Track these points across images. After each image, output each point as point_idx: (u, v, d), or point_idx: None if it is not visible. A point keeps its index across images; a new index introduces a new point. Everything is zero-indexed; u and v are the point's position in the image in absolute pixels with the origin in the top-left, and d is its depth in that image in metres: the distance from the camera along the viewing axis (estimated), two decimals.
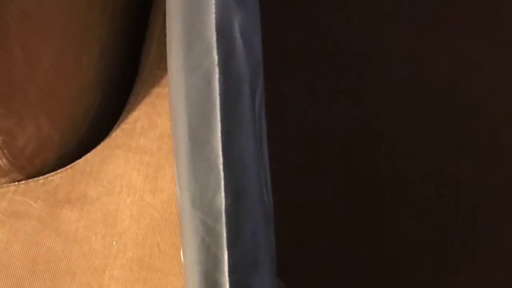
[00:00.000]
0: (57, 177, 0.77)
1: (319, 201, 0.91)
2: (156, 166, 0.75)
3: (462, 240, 0.89)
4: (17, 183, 0.78)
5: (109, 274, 0.71)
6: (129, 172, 0.75)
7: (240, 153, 0.50)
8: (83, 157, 0.78)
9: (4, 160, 0.74)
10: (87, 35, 0.78)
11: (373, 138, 0.96)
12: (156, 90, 0.80)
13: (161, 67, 0.81)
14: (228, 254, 0.49)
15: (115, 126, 0.80)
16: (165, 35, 0.84)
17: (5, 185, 0.78)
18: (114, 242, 0.72)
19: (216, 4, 0.50)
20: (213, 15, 0.50)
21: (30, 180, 0.77)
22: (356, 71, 1.02)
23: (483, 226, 0.90)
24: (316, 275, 0.85)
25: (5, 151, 0.73)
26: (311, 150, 0.95)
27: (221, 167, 0.49)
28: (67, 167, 0.78)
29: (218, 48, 0.50)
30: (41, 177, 0.77)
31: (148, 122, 0.78)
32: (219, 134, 0.49)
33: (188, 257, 0.50)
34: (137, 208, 0.73)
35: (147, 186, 0.74)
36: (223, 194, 0.49)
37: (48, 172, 0.78)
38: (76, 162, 0.78)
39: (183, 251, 0.51)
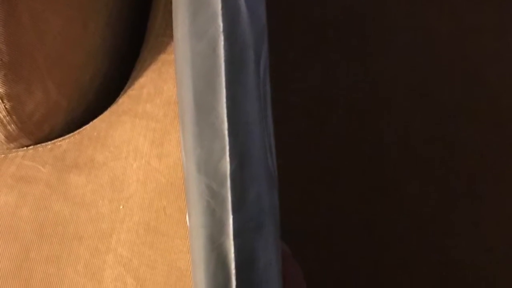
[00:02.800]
0: (65, 142, 0.76)
1: (322, 166, 0.90)
2: (162, 131, 0.75)
3: (463, 203, 0.88)
4: (25, 148, 0.77)
5: (116, 237, 0.70)
6: (135, 137, 0.75)
7: (245, 118, 0.49)
8: (91, 123, 0.78)
9: (12, 125, 0.73)
10: (94, 3, 0.77)
11: (375, 103, 0.95)
12: (162, 57, 0.79)
13: (167, 34, 0.81)
14: (233, 218, 0.48)
15: (122, 93, 0.79)
16: (171, 2, 0.84)
17: (13, 150, 0.77)
18: (121, 207, 0.72)
19: None
20: None
21: (38, 145, 0.77)
22: (359, 38, 1.01)
23: (484, 190, 0.89)
24: (319, 238, 0.85)
25: (13, 116, 0.72)
26: (314, 114, 0.94)
27: (226, 132, 0.48)
28: (75, 132, 0.77)
29: (223, 15, 0.49)
30: (49, 142, 0.77)
31: (154, 88, 0.77)
32: (224, 100, 0.48)
33: (193, 221, 0.50)
34: (143, 173, 0.73)
35: (153, 151, 0.74)
36: (228, 159, 0.48)
37: (56, 138, 0.77)
38: (84, 127, 0.77)
39: (188, 215, 0.51)
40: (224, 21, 0.49)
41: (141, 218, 0.71)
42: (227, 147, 0.48)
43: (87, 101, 0.81)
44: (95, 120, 0.78)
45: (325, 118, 0.93)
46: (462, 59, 0.98)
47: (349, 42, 1.00)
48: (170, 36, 0.80)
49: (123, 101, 0.78)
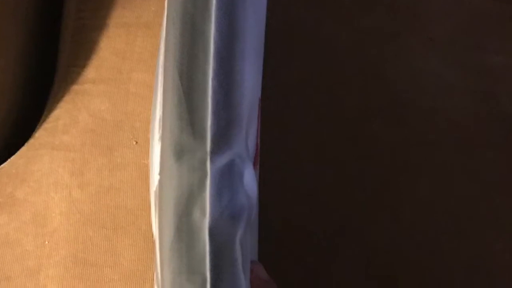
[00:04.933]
0: None
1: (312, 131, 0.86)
2: (81, 161, 0.72)
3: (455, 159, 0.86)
4: None
5: (44, 274, 0.67)
6: (55, 169, 0.72)
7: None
8: (8, 160, 0.74)
9: None
10: (0, 40, 0.74)
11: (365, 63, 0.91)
12: (74, 88, 0.77)
13: (77, 64, 0.78)
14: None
15: (38, 126, 0.77)
16: (78, 33, 0.81)
17: None
18: (46, 242, 0.69)
19: None
20: None
21: None
22: None
23: (484, 160, 0.87)
24: (312, 199, 0.81)
25: None
26: (312, 60, 0.90)
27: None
28: None
29: None
30: None
31: (69, 119, 0.75)
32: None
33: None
34: (66, 205, 0.70)
35: (74, 182, 0.71)
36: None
37: None
38: (1, 166, 0.74)
39: None
40: None
41: (68, 251, 0.68)
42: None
43: (3, 137, 0.78)
44: (12, 157, 0.75)
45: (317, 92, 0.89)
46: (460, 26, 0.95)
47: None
48: (80, 66, 0.78)
49: (40, 135, 0.75)
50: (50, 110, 0.77)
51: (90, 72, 0.77)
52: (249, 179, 0.48)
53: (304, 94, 0.86)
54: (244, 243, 0.47)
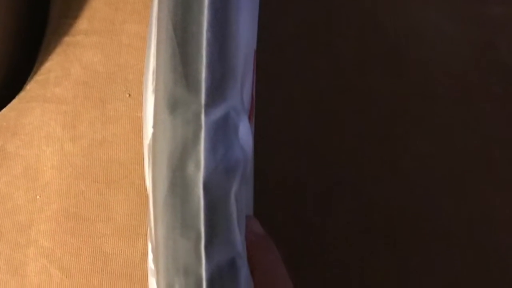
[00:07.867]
0: None
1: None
2: (73, 113, 0.70)
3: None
4: None
5: (35, 229, 0.65)
6: (46, 122, 0.70)
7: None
8: None
9: None
10: None
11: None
12: (66, 40, 0.74)
13: (69, 15, 0.75)
14: None
15: (29, 78, 0.74)
16: None
17: None
18: (38, 196, 0.67)
19: None
20: None
21: None
22: None
23: (483, 113, 0.85)
24: (307, 147, 0.80)
25: None
26: (308, 11, 0.87)
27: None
28: None
29: None
30: None
31: (61, 71, 0.72)
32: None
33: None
34: (58, 158, 0.68)
35: (66, 135, 0.69)
36: None
37: None
38: None
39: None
40: None
41: (60, 206, 0.66)
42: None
43: None
44: (3, 110, 0.72)
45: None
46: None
47: None
48: (72, 17, 0.75)
49: (31, 87, 0.73)
50: (42, 62, 0.74)
51: (82, 23, 0.75)
52: (244, 132, 0.46)
53: (300, 45, 0.84)
54: (239, 198, 0.45)
